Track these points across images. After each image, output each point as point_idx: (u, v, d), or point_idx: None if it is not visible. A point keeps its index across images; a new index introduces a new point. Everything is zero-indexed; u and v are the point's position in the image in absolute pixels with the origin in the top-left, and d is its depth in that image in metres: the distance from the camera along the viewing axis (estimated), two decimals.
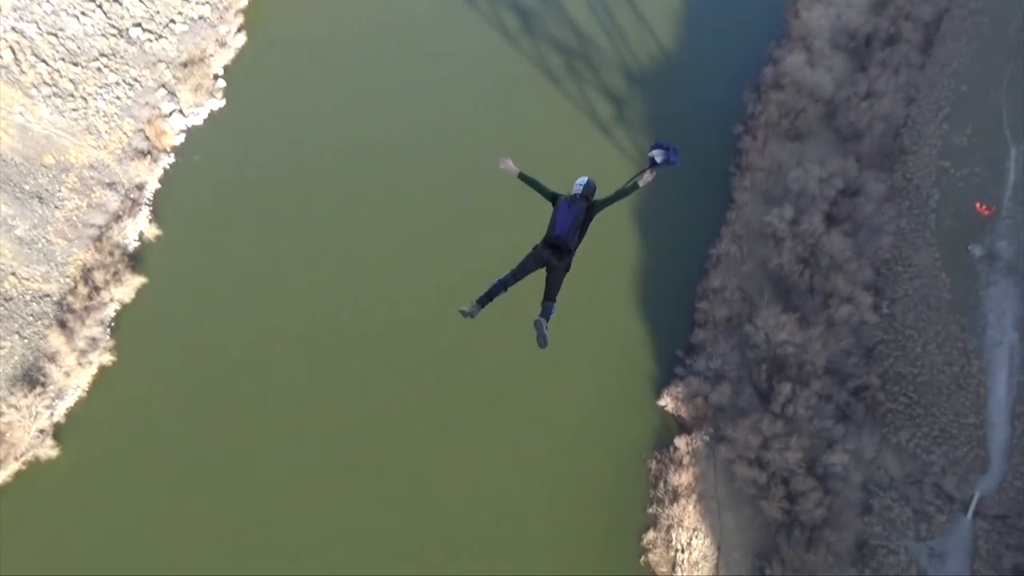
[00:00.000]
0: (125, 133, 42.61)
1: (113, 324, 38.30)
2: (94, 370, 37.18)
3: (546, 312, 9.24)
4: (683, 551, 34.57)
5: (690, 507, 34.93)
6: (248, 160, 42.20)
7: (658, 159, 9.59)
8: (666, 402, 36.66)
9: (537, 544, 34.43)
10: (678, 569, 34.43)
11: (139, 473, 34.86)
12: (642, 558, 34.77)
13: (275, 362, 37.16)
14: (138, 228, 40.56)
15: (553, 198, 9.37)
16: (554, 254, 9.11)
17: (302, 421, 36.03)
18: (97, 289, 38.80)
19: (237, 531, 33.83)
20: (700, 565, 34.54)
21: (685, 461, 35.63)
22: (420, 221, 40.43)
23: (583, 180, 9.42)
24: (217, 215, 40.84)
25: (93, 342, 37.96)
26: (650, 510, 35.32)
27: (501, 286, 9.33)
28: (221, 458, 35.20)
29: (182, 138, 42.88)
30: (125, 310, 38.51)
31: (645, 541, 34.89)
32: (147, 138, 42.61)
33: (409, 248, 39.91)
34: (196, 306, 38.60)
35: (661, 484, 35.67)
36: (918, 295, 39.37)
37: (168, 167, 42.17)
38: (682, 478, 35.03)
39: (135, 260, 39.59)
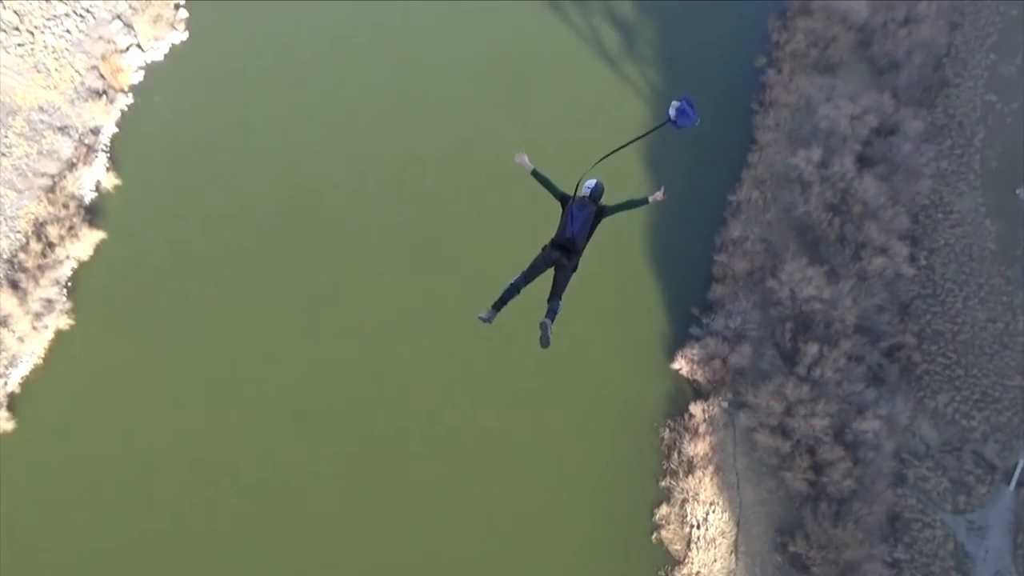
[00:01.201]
0: (77, 71, 38.28)
1: (70, 284, 34.76)
2: (50, 335, 33.82)
3: (552, 312, 9.40)
4: (699, 527, 31.89)
5: (707, 479, 32.19)
6: (214, 100, 38.00)
7: (672, 114, 9.45)
8: (680, 365, 33.72)
9: (541, 520, 31.53)
10: (693, 546, 31.71)
11: (100, 446, 31.78)
12: (654, 535, 32.06)
13: (251, 326, 33.67)
14: (94, 177, 36.67)
15: (564, 199, 9.57)
16: (563, 255, 9.38)
17: (284, 397, 32.73)
18: (51, 245, 35.12)
19: (206, 509, 30.86)
20: (717, 542, 31.82)
21: (701, 429, 32.72)
22: (412, 174, 36.44)
23: (591, 183, 9.56)
24: (182, 161, 36.86)
25: (48, 304, 34.47)
26: (663, 483, 32.62)
27: (514, 289, 9.57)
28: (189, 430, 32.00)
29: (140, 76, 38.70)
30: (83, 268, 34.93)
31: (658, 516, 32.15)
32: (102, 76, 38.31)
33: (398, 198, 35.98)
34: (160, 263, 34.98)
35: (675, 455, 32.77)
36: (959, 245, 35.89)
37: (126, 108, 38.08)
38: (698, 448, 32.27)
39: (92, 213, 35.86)
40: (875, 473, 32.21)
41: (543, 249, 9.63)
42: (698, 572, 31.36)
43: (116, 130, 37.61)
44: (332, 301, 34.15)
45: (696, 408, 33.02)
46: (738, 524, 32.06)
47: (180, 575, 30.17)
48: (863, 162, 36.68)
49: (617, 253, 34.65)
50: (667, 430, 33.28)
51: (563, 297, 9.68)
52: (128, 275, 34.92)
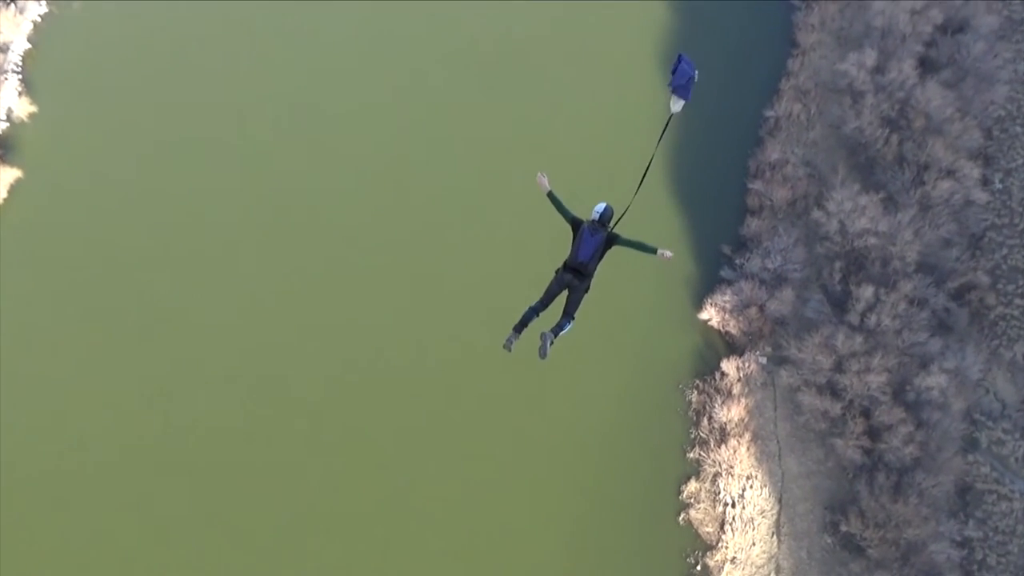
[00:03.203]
0: None
1: None
2: None
3: (559, 328, 9.78)
4: (734, 505, 27.46)
5: (742, 449, 27.71)
6: (146, 8, 31.56)
7: (671, 86, 8.84)
8: (710, 315, 29.41)
9: (550, 500, 26.71)
10: (728, 528, 27.18)
11: (27, 411, 26.76)
12: (682, 515, 27.44)
13: (190, 278, 28.37)
14: (5, 103, 31.05)
15: (576, 223, 9.92)
16: (575, 277, 9.76)
17: (232, 352, 27.67)
18: None
19: (145, 472, 26.10)
20: (756, 522, 27.28)
21: (735, 391, 28.32)
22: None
23: (601, 207, 9.84)
24: (108, 83, 31.18)
25: None
26: (691, 454, 28.08)
27: (533, 312, 9.88)
28: (119, 390, 27.04)
29: None
30: None
31: (685, 494, 27.62)
32: None
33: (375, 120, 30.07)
34: (86, 204, 29.63)
35: (705, 421, 28.28)
36: None
37: (39, 19, 32.56)
38: (732, 412, 27.96)
39: (4, 147, 30.87)
40: (942, 437, 27.74)
41: (556, 272, 9.97)
42: (733, 558, 26.85)
43: (28, 46, 32.33)
44: (285, 253, 28.63)
45: (729, 365, 28.76)
46: (780, 501, 27.67)
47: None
48: (926, 66, 32.18)
49: (631, 179, 28.95)
50: (695, 392, 28.80)
51: (576, 316, 9.96)
52: (49, 218, 29.49)
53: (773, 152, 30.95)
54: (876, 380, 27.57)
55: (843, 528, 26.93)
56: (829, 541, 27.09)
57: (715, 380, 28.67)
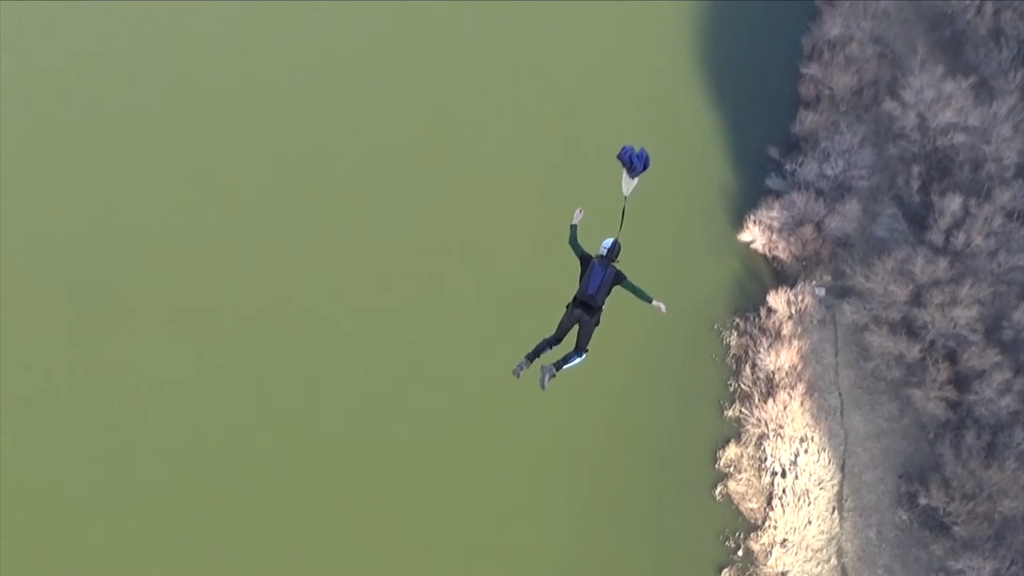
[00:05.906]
0: None
1: None
2: None
3: (565, 360, 10.29)
4: (784, 475, 22.89)
5: (795, 405, 23.34)
6: None
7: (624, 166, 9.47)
8: (753, 236, 25.65)
9: (559, 473, 22.50)
10: (776, 503, 22.74)
11: None
12: (719, 488, 22.97)
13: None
14: None
15: (585, 258, 10.49)
16: (585, 311, 10.26)
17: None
18: None
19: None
20: (812, 495, 22.79)
21: (786, 331, 24.21)
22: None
23: (608, 242, 10.28)
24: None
25: None
26: (729, 412, 23.88)
27: (547, 344, 10.42)
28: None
29: None
30: None
31: (723, 462, 23.24)
32: None
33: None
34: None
35: (747, 370, 24.13)
36: None
37: None
38: (781, 358, 23.92)
39: None
40: None
41: (567, 308, 10.34)
42: (784, 540, 22.39)
43: None
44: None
45: (777, 299, 24.90)
46: (843, 469, 23.23)
47: None
48: None
49: (654, 65, 23.75)
50: (735, 333, 24.74)
51: (588, 349, 10.34)
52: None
53: (833, 27, 27.21)
54: (965, 315, 23.91)
55: (922, 501, 23.03)
56: (904, 517, 22.92)
57: (760, 318, 24.79)
